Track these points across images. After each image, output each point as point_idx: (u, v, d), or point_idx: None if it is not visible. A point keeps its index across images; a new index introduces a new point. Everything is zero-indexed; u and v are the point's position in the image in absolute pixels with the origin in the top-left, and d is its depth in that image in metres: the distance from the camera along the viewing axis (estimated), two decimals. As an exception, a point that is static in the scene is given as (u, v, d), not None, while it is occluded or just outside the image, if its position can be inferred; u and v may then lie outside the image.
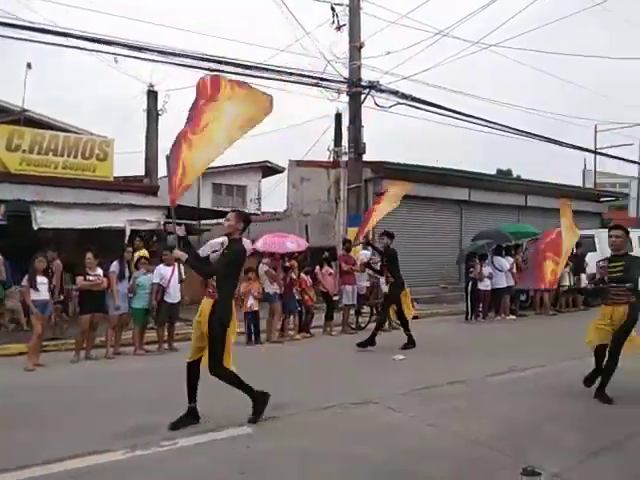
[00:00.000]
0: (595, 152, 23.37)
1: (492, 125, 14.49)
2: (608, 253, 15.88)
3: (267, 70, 12.42)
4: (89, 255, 7.86)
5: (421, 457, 3.96)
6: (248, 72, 12.44)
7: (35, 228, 9.77)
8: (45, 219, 9.84)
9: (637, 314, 5.31)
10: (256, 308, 9.09)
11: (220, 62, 12.14)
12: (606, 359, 5.39)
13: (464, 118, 13.91)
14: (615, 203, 24.26)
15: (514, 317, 12.29)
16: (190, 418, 4.59)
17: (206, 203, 21.59)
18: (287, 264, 9.73)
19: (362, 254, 11.20)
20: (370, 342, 8.31)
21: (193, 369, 4.68)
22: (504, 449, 4.08)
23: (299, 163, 17.44)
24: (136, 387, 6.08)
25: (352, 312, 10.63)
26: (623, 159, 20.90)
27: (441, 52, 14.93)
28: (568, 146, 16.78)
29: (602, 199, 21.40)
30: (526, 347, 8.32)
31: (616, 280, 5.35)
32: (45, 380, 6.58)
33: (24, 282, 7.39)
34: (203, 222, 17.99)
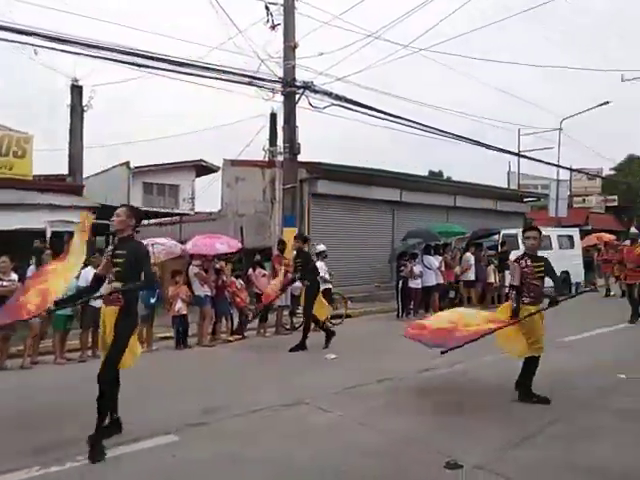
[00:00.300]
0: (518, 155, 24.64)
1: (422, 127, 14.85)
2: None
3: (200, 68, 12.13)
4: (3, 259, 7.36)
5: (350, 456, 3.99)
6: (180, 69, 12.09)
7: (-58, 230, 9.04)
8: (-47, 220, 9.13)
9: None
10: (184, 312, 8.85)
11: (150, 58, 11.72)
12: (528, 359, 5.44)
13: (396, 120, 14.19)
14: (537, 203, 25.72)
15: (444, 313, 12.69)
16: (111, 429, 4.37)
17: (136, 203, 20.89)
18: (217, 266, 9.55)
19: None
20: (301, 347, 8.32)
21: None
22: (430, 444, 4.20)
23: (234, 162, 17.17)
24: (53, 398, 5.72)
25: (286, 313, 10.59)
26: (543, 162, 22.08)
27: (374, 54, 15.23)
28: (493, 149, 17.52)
29: (525, 200, 22.57)
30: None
31: (540, 279, 5.46)
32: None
33: None
34: (133, 223, 17.33)
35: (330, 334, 8.56)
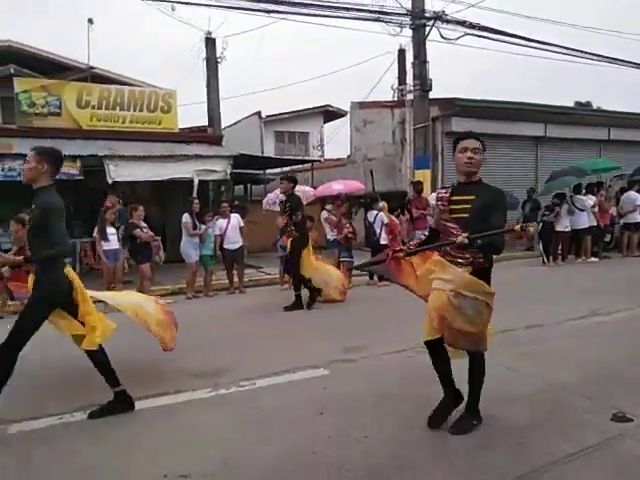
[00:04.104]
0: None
1: (569, 52, 13.27)
2: None
3: (324, 7, 11.91)
4: (141, 208, 8.30)
5: (502, 401, 3.83)
6: (305, 11, 12.00)
7: (110, 182, 10.15)
8: (118, 173, 10.18)
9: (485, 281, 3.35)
10: None
11: (276, 2, 11.76)
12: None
13: (536, 45, 12.82)
14: None
15: (596, 259, 11.60)
16: (121, 404, 3.77)
17: (269, 151, 21.55)
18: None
19: (432, 196, 10.83)
20: (297, 306, 7.48)
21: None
22: (589, 393, 3.89)
23: (362, 105, 16.86)
24: (209, 330, 6.30)
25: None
26: None
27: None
28: (659, 70, 15.14)
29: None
30: (610, 291, 7.84)
31: (458, 224, 3.24)
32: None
33: (95, 233, 7.93)
34: (268, 171, 18.03)
35: (314, 293, 7.62)
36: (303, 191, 10.11)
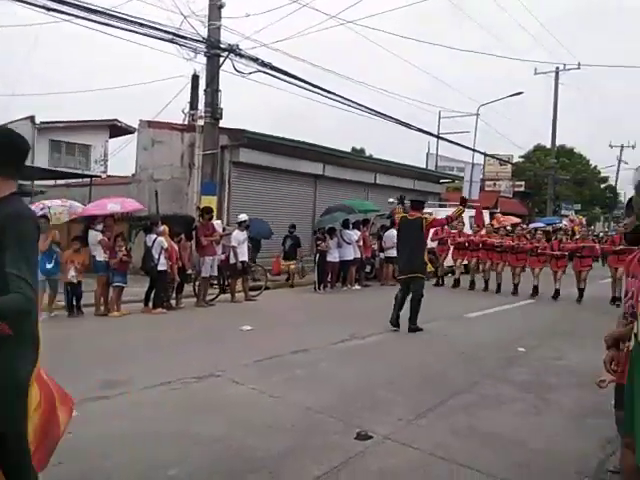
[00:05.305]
0: (438, 137, 25.36)
1: (345, 102, 14.76)
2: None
3: (115, 17, 11.20)
4: None
5: (261, 430, 3.91)
6: (93, 17, 11.10)
7: None
8: None
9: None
10: (75, 280, 8.25)
11: (60, 1, 10.64)
12: None
13: (320, 92, 14.01)
14: (452, 185, 26.81)
15: (359, 287, 12.96)
16: None
17: (42, 162, 19.44)
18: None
19: (217, 223, 10.79)
20: None
21: None
22: (340, 416, 4.20)
23: (151, 124, 16.16)
24: None
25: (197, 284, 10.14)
26: (461, 145, 23.01)
27: (304, 22, 14.88)
28: (415, 129, 17.90)
29: (441, 181, 23.43)
30: (367, 316, 8.78)
31: None
32: None
33: None
34: (37, 183, 16.07)
35: None
36: (69, 206, 9.06)
